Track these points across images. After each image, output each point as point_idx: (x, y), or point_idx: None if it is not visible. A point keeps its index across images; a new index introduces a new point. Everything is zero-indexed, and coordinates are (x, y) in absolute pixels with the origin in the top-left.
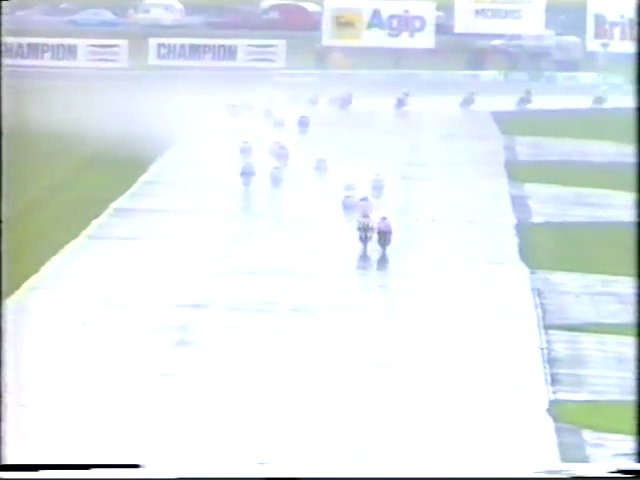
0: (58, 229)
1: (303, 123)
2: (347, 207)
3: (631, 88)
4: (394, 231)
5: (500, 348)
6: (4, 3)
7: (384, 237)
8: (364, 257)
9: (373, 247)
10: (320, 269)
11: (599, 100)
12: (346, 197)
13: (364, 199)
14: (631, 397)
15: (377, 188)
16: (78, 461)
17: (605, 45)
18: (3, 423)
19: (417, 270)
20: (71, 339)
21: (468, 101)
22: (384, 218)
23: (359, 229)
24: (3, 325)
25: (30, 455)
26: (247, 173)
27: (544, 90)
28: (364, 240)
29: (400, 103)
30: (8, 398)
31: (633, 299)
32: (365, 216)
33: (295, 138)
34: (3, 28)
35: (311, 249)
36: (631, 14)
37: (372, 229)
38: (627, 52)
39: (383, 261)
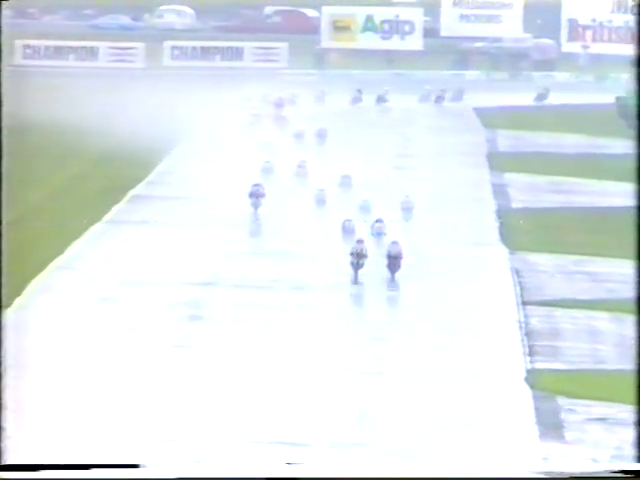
0: (81, 214)
1: (321, 134)
2: (346, 231)
3: (601, 86)
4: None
5: (482, 322)
6: (4, 3)
7: (394, 262)
8: (355, 283)
9: (380, 271)
10: (320, 250)
11: (540, 96)
12: (346, 221)
13: (379, 220)
14: (601, 366)
15: (407, 210)
16: (78, 460)
17: (585, 47)
18: (3, 423)
19: (407, 250)
20: (92, 314)
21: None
22: (395, 242)
23: (352, 254)
24: (3, 327)
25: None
26: (256, 195)
27: (523, 88)
28: (355, 266)
29: (380, 99)
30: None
31: (603, 277)
32: (360, 242)
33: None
34: (19, 30)
35: (313, 232)
36: (602, 17)
37: (365, 256)
38: (598, 53)
39: (393, 285)
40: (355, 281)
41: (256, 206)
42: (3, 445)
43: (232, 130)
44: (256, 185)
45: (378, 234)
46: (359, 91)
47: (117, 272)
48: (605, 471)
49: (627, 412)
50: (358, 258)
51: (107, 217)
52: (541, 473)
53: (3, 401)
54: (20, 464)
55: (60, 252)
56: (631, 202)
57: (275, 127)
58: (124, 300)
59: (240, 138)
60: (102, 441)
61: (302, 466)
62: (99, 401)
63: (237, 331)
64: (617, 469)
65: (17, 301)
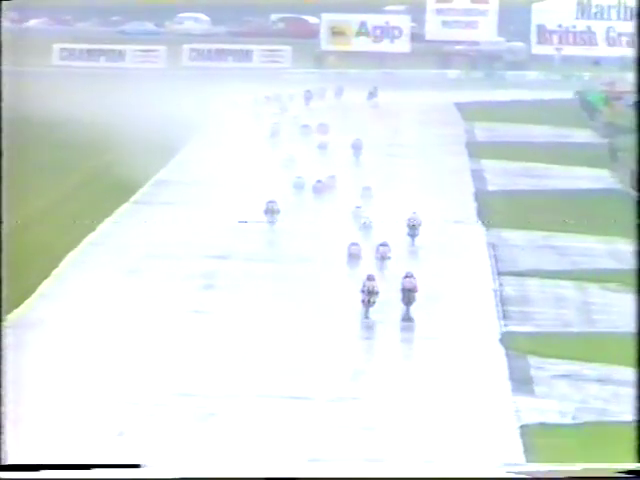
0: (112, 196)
1: (357, 147)
2: (352, 256)
3: (567, 84)
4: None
5: (462, 290)
6: (4, 3)
7: (408, 295)
8: (365, 317)
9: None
10: (321, 226)
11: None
12: (352, 245)
13: (384, 244)
14: (566, 329)
15: (413, 228)
16: (78, 459)
17: (558, 49)
18: (3, 423)
19: (396, 227)
20: (121, 284)
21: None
22: (409, 275)
23: (362, 292)
24: (3, 331)
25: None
26: (271, 211)
27: (497, 85)
28: (366, 304)
29: (370, 95)
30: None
31: (568, 251)
32: (370, 279)
33: (347, 164)
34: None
35: (316, 210)
36: (567, 23)
37: (377, 294)
38: (564, 54)
39: (408, 320)
40: (366, 316)
41: (272, 222)
42: (3, 445)
43: (242, 121)
44: (271, 202)
45: (382, 258)
46: (375, 87)
47: (142, 247)
48: (605, 471)
49: (590, 370)
50: (369, 296)
51: (133, 198)
52: (542, 473)
53: (3, 401)
54: (20, 464)
55: (92, 229)
56: (593, 185)
57: (280, 118)
58: (148, 271)
59: (249, 128)
60: (128, 386)
61: (302, 466)
62: (127, 357)
63: (247, 299)
64: (617, 469)
65: (54, 271)
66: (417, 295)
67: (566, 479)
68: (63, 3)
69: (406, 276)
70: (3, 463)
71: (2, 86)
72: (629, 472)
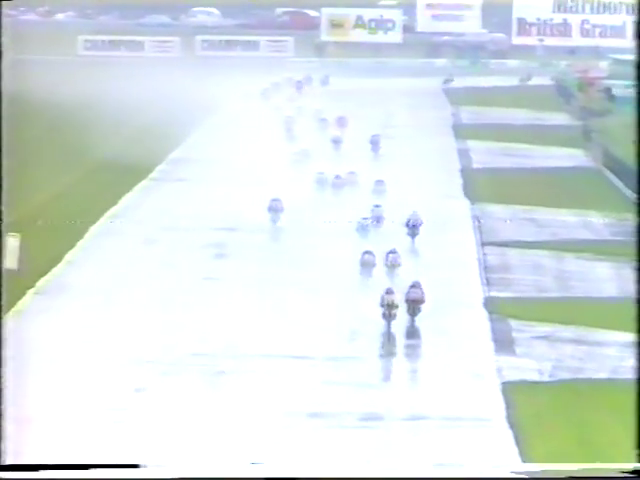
0: (131, 173)
1: (375, 142)
2: (365, 265)
3: (546, 70)
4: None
5: (449, 259)
6: (4, 3)
7: (414, 306)
8: (387, 334)
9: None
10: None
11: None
12: (365, 252)
13: (393, 252)
14: (544, 294)
15: (414, 227)
16: (78, 458)
17: (541, 40)
18: (3, 423)
19: (386, 198)
20: (140, 253)
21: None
22: (416, 285)
23: (382, 306)
24: (3, 332)
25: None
26: (275, 209)
27: (481, 73)
28: (388, 318)
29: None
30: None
31: (546, 223)
32: (390, 292)
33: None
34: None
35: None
36: (545, 16)
37: (397, 307)
38: (544, 45)
39: (413, 333)
40: (388, 332)
41: (275, 220)
42: (3, 445)
43: (251, 104)
44: (275, 200)
45: (392, 265)
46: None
47: (158, 219)
48: (606, 471)
49: (566, 331)
50: (390, 309)
51: (151, 175)
52: (542, 472)
53: (3, 401)
54: (20, 464)
55: (114, 203)
56: (568, 163)
57: (284, 100)
58: (164, 242)
59: (257, 110)
60: (146, 346)
61: (302, 466)
62: (145, 319)
63: (254, 266)
64: (618, 469)
65: (79, 243)
66: (423, 306)
67: (566, 479)
68: None
69: (412, 286)
70: (2, 463)
71: (2, 83)
72: (629, 472)
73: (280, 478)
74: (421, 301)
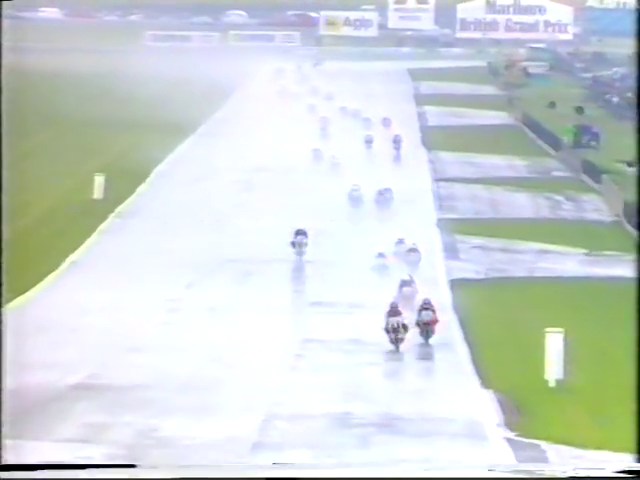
0: (181, 131)
1: (397, 141)
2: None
3: (480, 55)
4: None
5: (410, 190)
6: (4, 3)
7: (426, 329)
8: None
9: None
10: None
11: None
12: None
13: (409, 283)
14: (479, 216)
15: (412, 263)
16: (79, 456)
17: (485, 34)
18: (3, 423)
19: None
20: (189, 187)
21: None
22: (427, 304)
23: (387, 330)
24: (3, 329)
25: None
26: (299, 244)
27: (434, 57)
28: (395, 342)
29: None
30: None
31: (483, 165)
32: (395, 314)
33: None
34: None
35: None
36: (479, 16)
37: (405, 327)
38: (476, 38)
39: (428, 356)
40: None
41: (300, 254)
42: (3, 445)
43: (269, 78)
44: (299, 234)
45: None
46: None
47: (202, 163)
48: (605, 471)
49: (495, 243)
50: (396, 333)
51: (198, 131)
52: (542, 472)
53: (3, 401)
54: (17, 464)
55: (171, 150)
56: (497, 122)
57: (295, 77)
58: (208, 179)
59: (273, 83)
60: (192, 254)
61: (302, 466)
62: (195, 232)
63: (277, 195)
64: (617, 469)
65: (147, 180)
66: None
67: (567, 479)
68: (153, 3)
69: (424, 308)
70: (2, 463)
71: (2, 84)
72: (629, 472)
73: (280, 478)
74: (435, 322)
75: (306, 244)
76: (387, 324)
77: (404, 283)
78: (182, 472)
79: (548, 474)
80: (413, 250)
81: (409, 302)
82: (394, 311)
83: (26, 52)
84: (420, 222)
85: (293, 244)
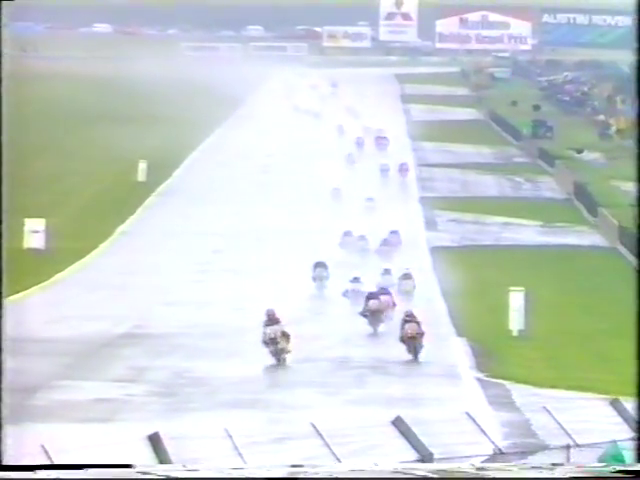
0: (209, 123)
1: (403, 170)
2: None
3: (455, 62)
4: (424, 328)
5: (395, 172)
6: (4, 3)
7: (413, 344)
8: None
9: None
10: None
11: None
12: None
13: (407, 277)
14: (455, 194)
15: (406, 293)
16: (77, 456)
17: (463, 45)
18: (3, 423)
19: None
20: (212, 170)
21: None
22: (409, 316)
23: (265, 343)
24: (3, 326)
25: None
26: (320, 278)
27: (417, 64)
28: (277, 355)
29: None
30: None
31: (458, 152)
32: (272, 322)
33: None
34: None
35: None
36: (455, 31)
37: (286, 335)
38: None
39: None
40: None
41: (321, 288)
42: (2, 445)
43: (282, 82)
44: (320, 266)
45: (406, 293)
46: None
47: (226, 152)
48: (605, 471)
49: (467, 217)
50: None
51: (225, 124)
52: (542, 472)
53: (3, 401)
54: (15, 465)
55: (201, 141)
56: (467, 117)
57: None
58: (228, 165)
59: (287, 85)
60: (221, 224)
61: (302, 466)
62: (220, 210)
63: (290, 180)
64: (617, 469)
65: (182, 164)
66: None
67: (567, 479)
68: (187, 18)
69: (407, 320)
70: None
71: (2, 87)
72: (629, 472)
73: (280, 478)
74: (422, 334)
75: (327, 276)
76: (264, 336)
77: (380, 291)
78: (181, 472)
79: (548, 474)
80: (407, 277)
81: (386, 310)
82: (271, 319)
83: (82, 60)
84: (404, 198)
85: (314, 279)
